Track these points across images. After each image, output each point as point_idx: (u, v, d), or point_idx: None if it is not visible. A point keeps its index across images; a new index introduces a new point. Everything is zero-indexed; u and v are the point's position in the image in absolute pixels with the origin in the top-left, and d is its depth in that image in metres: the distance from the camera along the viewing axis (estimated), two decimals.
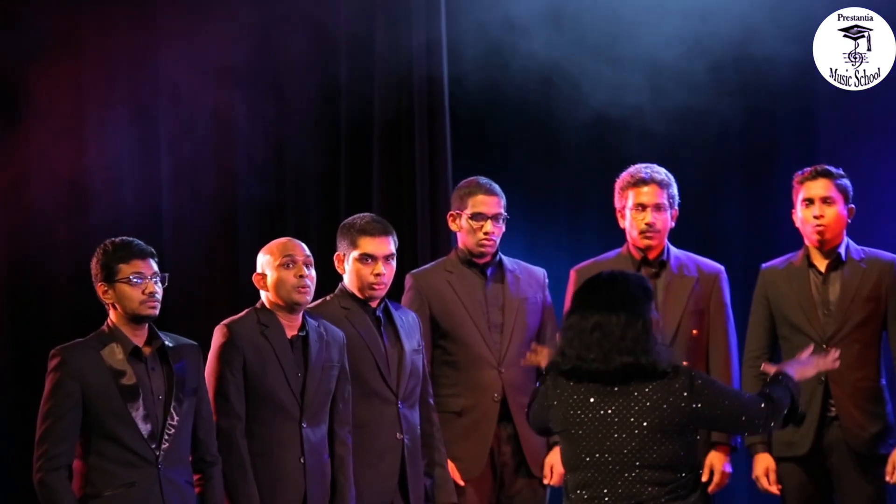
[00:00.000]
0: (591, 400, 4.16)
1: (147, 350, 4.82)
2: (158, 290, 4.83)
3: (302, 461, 5.09)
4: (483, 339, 5.68)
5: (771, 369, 4.51)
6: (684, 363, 5.56)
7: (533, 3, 6.93)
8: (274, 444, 5.07)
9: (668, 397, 4.11)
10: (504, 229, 5.74)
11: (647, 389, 4.13)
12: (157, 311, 4.82)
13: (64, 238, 6.87)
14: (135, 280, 4.78)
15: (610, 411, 4.13)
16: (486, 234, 5.68)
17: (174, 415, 4.81)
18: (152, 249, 4.87)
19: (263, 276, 5.20)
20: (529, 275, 5.83)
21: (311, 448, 5.11)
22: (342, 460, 5.20)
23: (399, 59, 7.06)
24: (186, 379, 4.87)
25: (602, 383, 4.16)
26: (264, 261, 5.21)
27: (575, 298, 4.32)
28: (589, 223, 7.03)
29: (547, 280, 5.86)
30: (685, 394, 4.13)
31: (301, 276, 5.13)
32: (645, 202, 5.70)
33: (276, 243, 5.23)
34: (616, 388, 4.13)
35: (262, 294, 5.22)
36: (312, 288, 5.19)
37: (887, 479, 5.57)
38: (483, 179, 5.75)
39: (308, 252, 5.21)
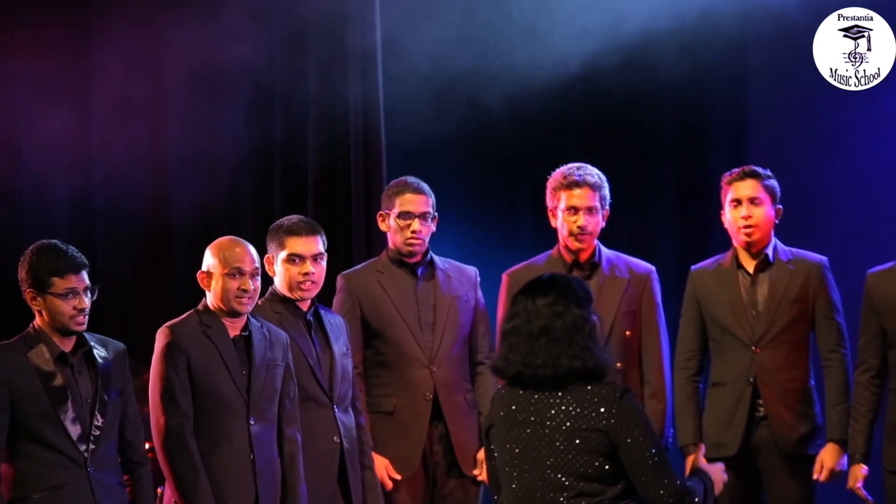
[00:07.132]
0: (530, 407, 4.05)
1: (73, 356, 4.79)
2: (88, 303, 4.79)
3: (251, 458, 5.04)
4: (414, 338, 5.67)
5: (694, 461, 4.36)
6: (619, 364, 5.59)
7: (465, 50, 6.94)
8: (222, 441, 5.02)
9: (594, 403, 3.98)
10: (433, 228, 5.73)
11: (584, 394, 4.01)
12: (84, 326, 4.80)
13: None
14: (67, 296, 4.75)
15: (546, 418, 4.02)
16: (413, 232, 5.66)
17: (99, 417, 4.78)
18: (85, 260, 4.82)
19: (209, 275, 5.12)
20: (461, 273, 5.81)
21: (259, 445, 5.06)
22: (292, 458, 5.16)
23: (335, 111, 7.03)
24: (112, 380, 4.85)
25: (544, 389, 4.04)
26: (211, 263, 5.12)
27: (515, 302, 4.19)
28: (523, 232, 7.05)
29: (479, 279, 5.85)
30: (606, 405, 3.98)
31: (244, 290, 5.07)
32: (577, 205, 5.66)
33: (226, 247, 5.12)
34: (558, 393, 4.01)
35: (207, 294, 5.15)
36: (256, 297, 5.14)
37: (815, 477, 5.59)
38: (411, 179, 5.73)
39: (256, 260, 5.12)
